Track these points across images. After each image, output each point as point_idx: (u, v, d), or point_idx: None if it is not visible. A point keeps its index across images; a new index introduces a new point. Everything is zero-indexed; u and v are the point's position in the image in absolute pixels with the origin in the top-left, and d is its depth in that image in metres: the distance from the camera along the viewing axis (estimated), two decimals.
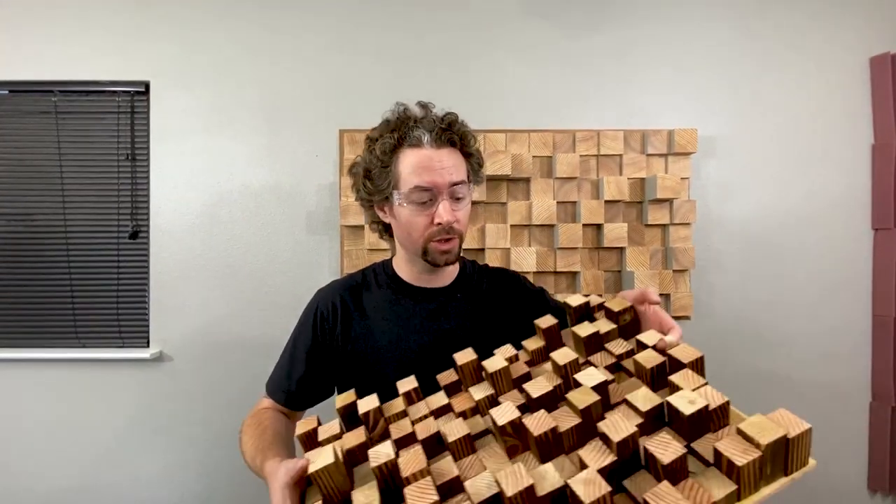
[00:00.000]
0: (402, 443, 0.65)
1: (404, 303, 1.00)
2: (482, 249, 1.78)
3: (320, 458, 0.57)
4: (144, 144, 1.88)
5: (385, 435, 0.70)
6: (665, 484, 0.47)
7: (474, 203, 1.78)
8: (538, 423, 0.55)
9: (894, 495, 1.89)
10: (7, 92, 1.88)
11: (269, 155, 1.86)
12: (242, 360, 1.85)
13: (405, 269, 1.03)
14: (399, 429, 0.66)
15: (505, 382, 0.70)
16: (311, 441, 0.69)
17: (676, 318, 1.76)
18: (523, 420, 0.56)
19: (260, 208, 1.86)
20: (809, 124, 1.88)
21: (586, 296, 0.80)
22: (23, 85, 1.87)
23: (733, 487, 0.48)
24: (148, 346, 1.87)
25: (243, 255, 1.86)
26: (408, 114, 0.94)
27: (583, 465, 0.50)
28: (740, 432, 0.49)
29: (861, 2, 1.88)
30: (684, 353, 0.62)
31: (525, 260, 1.77)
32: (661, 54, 1.88)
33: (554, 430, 0.55)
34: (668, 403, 0.54)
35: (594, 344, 0.72)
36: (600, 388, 0.59)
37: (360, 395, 0.75)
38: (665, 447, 0.49)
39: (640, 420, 0.55)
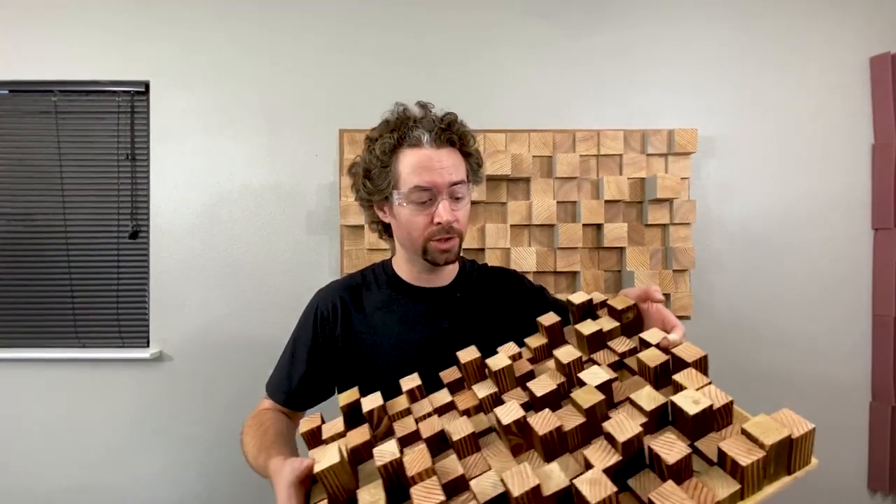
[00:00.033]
0: (406, 441, 0.65)
1: (404, 302, 1.00)
2: (482, 249, 1.78)
3: (326, 458, 0.57)
4: (144, 144, 1.88)
5: (388, 433, 0.70)
6: (670, 483, 0.47)
7: (474, 203, 1.78)
8: (543, 422, 0.55)
9: (894, 495, 1.89)
10: (7, 92, 1.88)
11: (269, 155, 1.86)
12: (242, 360, 1.85)
13: (405, 268, 1.03)
14: (403, 427, 0.66)
15: (508, 380, 0.70)
16: (314, 439, 0.69)
17: (676, 317, 1.76)
18: (528, 419, 0.56)
19: (260, 208, 1.86)
20: (809, 124, 1.88)
21: (589, 293, 0.80)
22: (23, 85, 1.86)
23: (737, 487, 0.48)
24: (148, 345, 1.87)
25: (243, 255, 1.86)
26: (407, 114, 0.94)
27: (588, 465, 0.50)
28: (744, 432, 0.49)
29: (861, 2, 1.88)
30: (688, 352, 0.62)
31: (525, 260, 1.77)
32: (661, 54, 1.88)
33: (559, 429, 0.55)
34: (673, 403, 0.54)
35: (597, 342, 0.72)
36: (604, 387, 0.59)
37: (362, 395, 0.75)
38: (670, 447, 0.49)
39: (644, 419, 0.55)
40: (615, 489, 0.46)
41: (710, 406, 0.53)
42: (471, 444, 0.60)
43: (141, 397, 1.86)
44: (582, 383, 0.61)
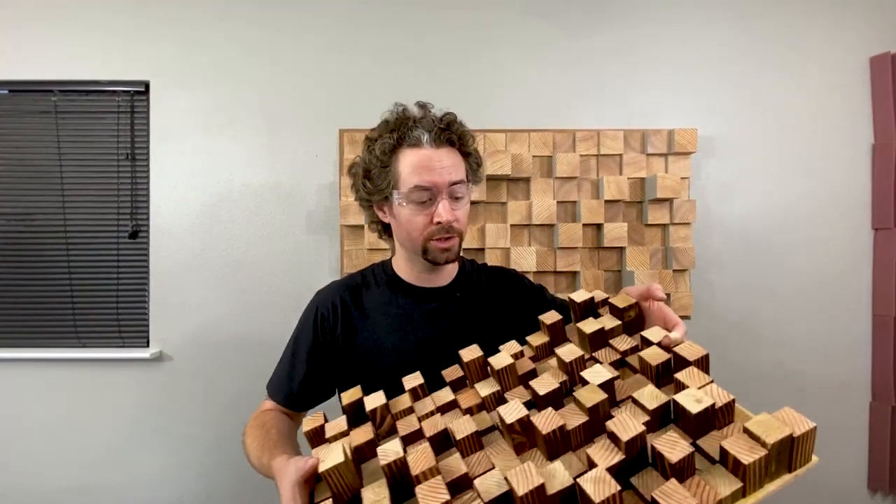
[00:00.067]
0: (409, 439, 0.65)
1: (404, 302, 1.00)
2: (482, 249, 1.78)
3: (331, 457, 0.57)
4: (144, 144, 1.88)
5: (391, 431, 0.70)
6: (672, 482, 0.47)
7: (474, 203, 1.78)
8: (546, 421, 0.55)
9: (894, 495, 1.90)
10: (7, 92, 1.88)
11: (269, 155, 1.86)
12: (242, 360, 1.85)
13: (405, 268, 1.03)
14: (406, 425, 0.67)
15: (511, 379, 0.70)
16: (317, 438, 0.69)
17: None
18: (531, 418, 0.57)
19: (260, 208, 1.86)
20: (809, 124, 1.88)
21: (590, 292, 0.80)
22: (23, 85, 1.86)
23: (739, 485, 0.48)
24: (148, 345, 1.87)
25: (243, 254, 1.86)
26: (407, 114, 0.94)
27: (591, 464, 0.50)
28: (746, 431, 0.50)
29: (861, 2, 1.88)
30: (689, 350, 0.62)
31: (525, 260, 1.77)
32: (661, 54, 1.88)
33: (562, 428, 0.55)
34: (675, 401, 0.54)
35: (599, 340, 0.72)
36: (607, 386, 0.59)
37: (363, 394, 0.75)
38: (673, 446, 0.49)
39: (646, 418, 0.55)
40: (619, 488, 0.46)
41: (713, 405, 0.53)
42: (474, 443, 0.60)
43: (141, 397, 1.86)
44: (584, 382, 0.61)
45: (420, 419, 0.68)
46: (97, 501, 1.87)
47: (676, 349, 0.63)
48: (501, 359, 0.71)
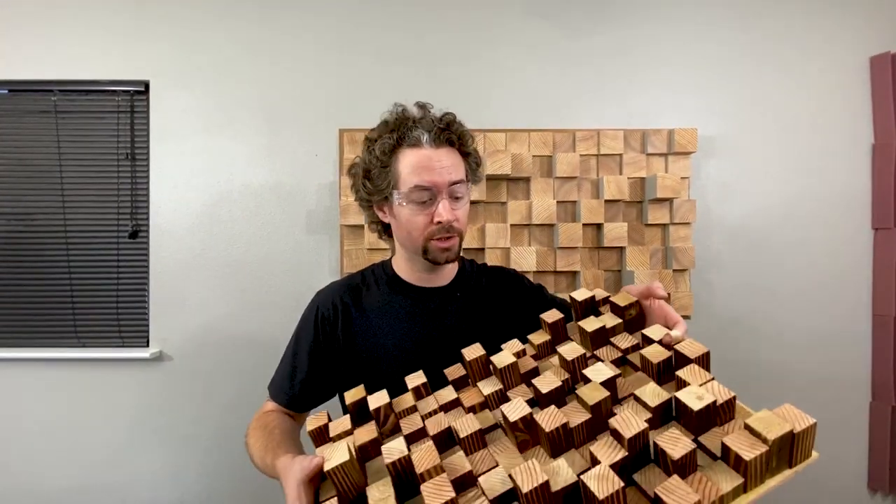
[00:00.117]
0: (413, 438, 0.65)
1: (404, 302, 1.00)
2: (482, 249, 1.78)
3: (336, 456, 0.57)
4: (144, 144, 1.88)
5: (395, 430, 0.70)
6: (675, 478, 0.48)
7: (474, 203, 1.78)
8: (549, 419, 0.56)
9: (894, 495, 1.90)
10: (7, 91, 1.88)
11: (269, 155, 1.86)
12: (242, 359, 1.84)
13: (405, 268, 1.03)
14: (409, 424, 0.67)
15: (513, 377, 0.70)
16: (321, 437, 0.69)
17: None
18: (534, 416, 0.57)
19: (260, 208, 1.86)
20: (809, 124, 1.89)
21: (591, 290, 0.80)
22: (23, 85, 1.86)
23: (740, 480, 0.49)
24: (148, 345, 1.87)
25: (243, 254, 1.86)
26: (406, 114, 0.95)
27: (594, 461, 0.50)
28: (748, 427, 0.50)
29: (861, 2, 1.89)
30: (690, 348, 0.62)
31: (525, 259, 1.77)
32: (661, 54, 1.88)
33: (565, 425, 0.55)
34: (677, 399, 0.54)
35: (600, 338, 0.72)
36: (609, 384, 0.60)
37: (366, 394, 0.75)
38: (675, 442, 0.49)
39: (648, 415, 0.55)
40: (622, 484, 0.46)
41: (714, 402, 0.53)
42: (478, 441, 0.61)
43: (141, 397, 1.86)
44: (586, 380, 0.61)
45: (423, 418, 0.68)
46: (97, 501, 1.87)
47: (677, 347, 0.63)
48: (504, 357, 0.71)
